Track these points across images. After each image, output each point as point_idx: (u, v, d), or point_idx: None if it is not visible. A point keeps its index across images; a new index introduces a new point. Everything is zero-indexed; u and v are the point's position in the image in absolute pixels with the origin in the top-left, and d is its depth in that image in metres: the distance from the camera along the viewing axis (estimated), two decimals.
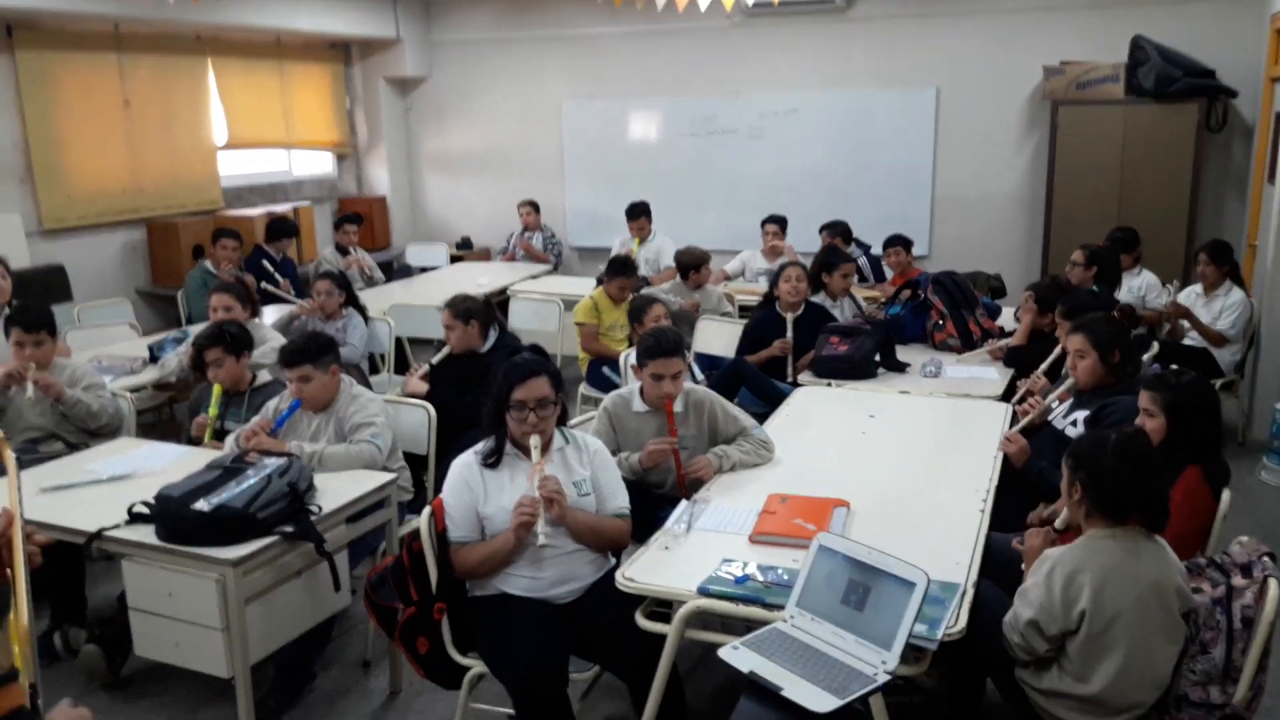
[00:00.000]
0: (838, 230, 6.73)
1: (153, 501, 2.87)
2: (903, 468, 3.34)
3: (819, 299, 5.20)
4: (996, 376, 4.44)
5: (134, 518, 2.88)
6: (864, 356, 4.43)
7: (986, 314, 5.11)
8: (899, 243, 6.44)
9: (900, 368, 4.54)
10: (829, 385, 4.37)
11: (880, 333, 4.58)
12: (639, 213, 7.37)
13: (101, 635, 3.49)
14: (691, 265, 5.92)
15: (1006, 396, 4.13)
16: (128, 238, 7.28)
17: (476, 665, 2.78)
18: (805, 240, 7.07)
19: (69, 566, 3.64)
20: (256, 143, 8.39)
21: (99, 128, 6.96)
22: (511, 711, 2.70)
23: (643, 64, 8.61)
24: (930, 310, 5.01)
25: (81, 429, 4.05)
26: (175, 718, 3.33)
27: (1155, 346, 5.04)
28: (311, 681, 3.45)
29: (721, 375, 4.55)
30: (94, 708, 1.78)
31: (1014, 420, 3.72)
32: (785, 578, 2.45)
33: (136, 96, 7.20)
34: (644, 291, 5.57)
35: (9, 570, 1.71)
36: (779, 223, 7.03)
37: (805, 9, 7.87)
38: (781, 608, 2.35)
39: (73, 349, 5.08)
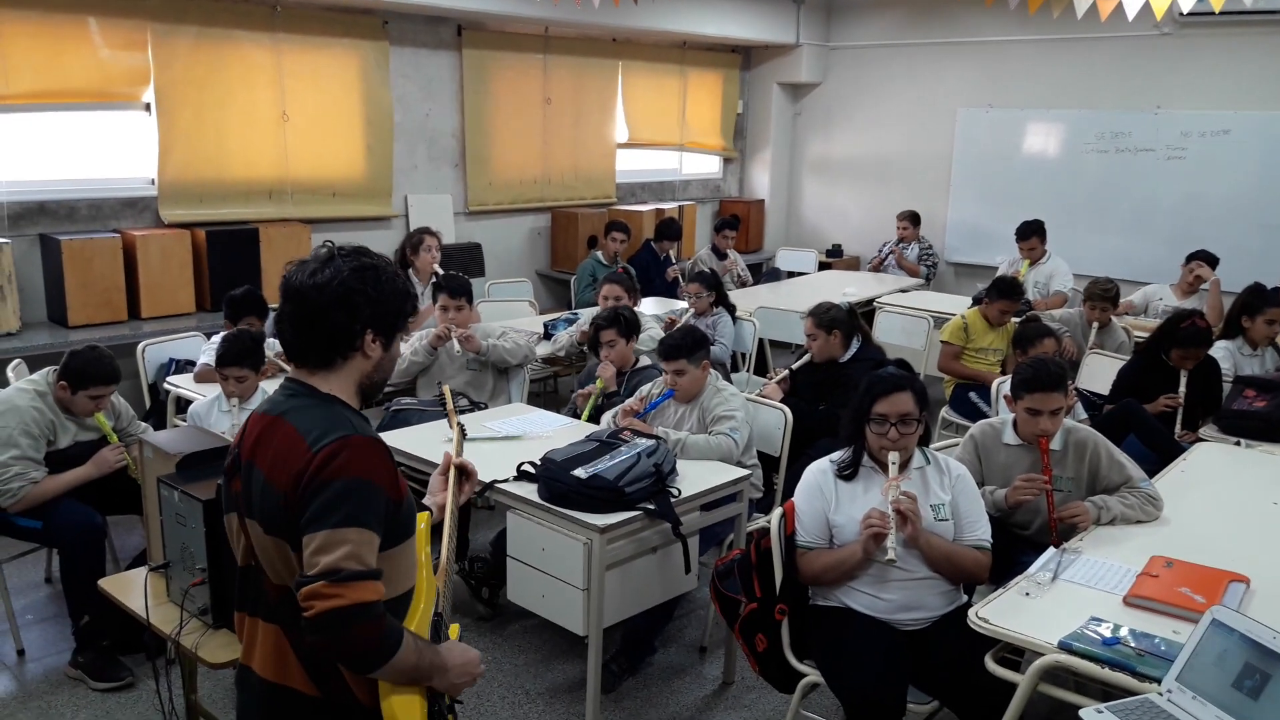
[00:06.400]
0: None
1: (539, 462, 3.16)
2: None
3: (1236, 344, 4.61)
4: None
5: (521, 475, 3.19)
6: None
7: None
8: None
9: None
10: (1237, 444, 3.88)
11: None
12: (1031, 232, 6.90)
13: (469, 572, 3.92)
14: (1097, 298, 5.39)
15: None
16: (534, 223, 8.04)
17: (812, 674, 2.78)
18: (1225, 278, 6.22)
19: (460, 509, 4.13)
20: (653, 142, 8.91)
21: (522, 122, 7.72)
22: None
23: (1048, 73, 8.09)
24: None
25: (499, 368, 4.65)
26: (532, 663, 3.66)
27: None
28: (652, 655, 3.63)
29: (1109, 416, 4.18)
30: (464, 639, 1.97)
31: None
32: (1163, 648, 2.22)
33: (555, 94, 7.91)
34: (1039, 320, 5.05)
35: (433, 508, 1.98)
36: (1210, 262, 6.11)
37: (1252, 20, 6.96)
38: (1153, 679, 2.14)
39: (481, 319, 5.71)
